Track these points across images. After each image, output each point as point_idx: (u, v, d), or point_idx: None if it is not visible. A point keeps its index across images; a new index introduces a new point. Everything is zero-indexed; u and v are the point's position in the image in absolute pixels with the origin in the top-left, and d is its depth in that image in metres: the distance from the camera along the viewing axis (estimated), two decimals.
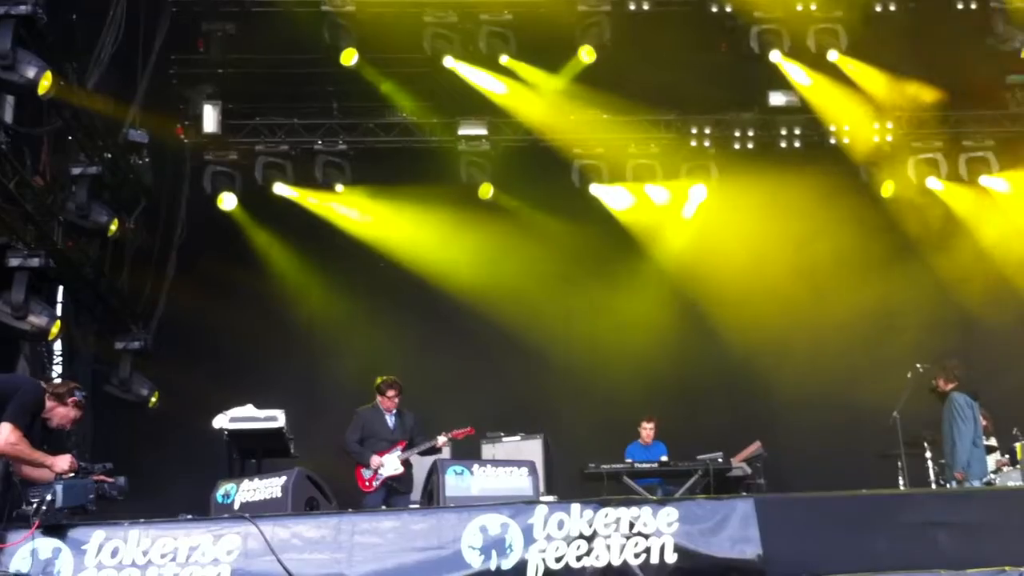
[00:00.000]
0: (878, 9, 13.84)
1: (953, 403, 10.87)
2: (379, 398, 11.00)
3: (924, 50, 14.18)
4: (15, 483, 7.62)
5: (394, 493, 10.73)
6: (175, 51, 13.87)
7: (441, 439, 10.89)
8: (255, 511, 8.29)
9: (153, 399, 13.37)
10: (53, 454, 7.68)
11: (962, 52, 14.15)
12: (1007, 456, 11.78)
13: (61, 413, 7.77)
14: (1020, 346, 14.38)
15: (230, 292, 14.15)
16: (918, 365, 12.00)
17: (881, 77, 14.53)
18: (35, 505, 7.46)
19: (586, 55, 13.98)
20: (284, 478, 8.73)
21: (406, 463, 10.84)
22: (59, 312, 11.65)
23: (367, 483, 10.70)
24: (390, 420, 10.99)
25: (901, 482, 12.27)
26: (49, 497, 7.45)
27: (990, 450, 11.81)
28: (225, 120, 14.36)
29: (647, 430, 13.10)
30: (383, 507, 10.27)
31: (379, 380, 11.05)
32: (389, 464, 10.75)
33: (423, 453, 10.85)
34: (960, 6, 13.89)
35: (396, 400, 10.97)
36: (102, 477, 7.70)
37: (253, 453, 10.80)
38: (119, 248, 13.31)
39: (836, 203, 14.87)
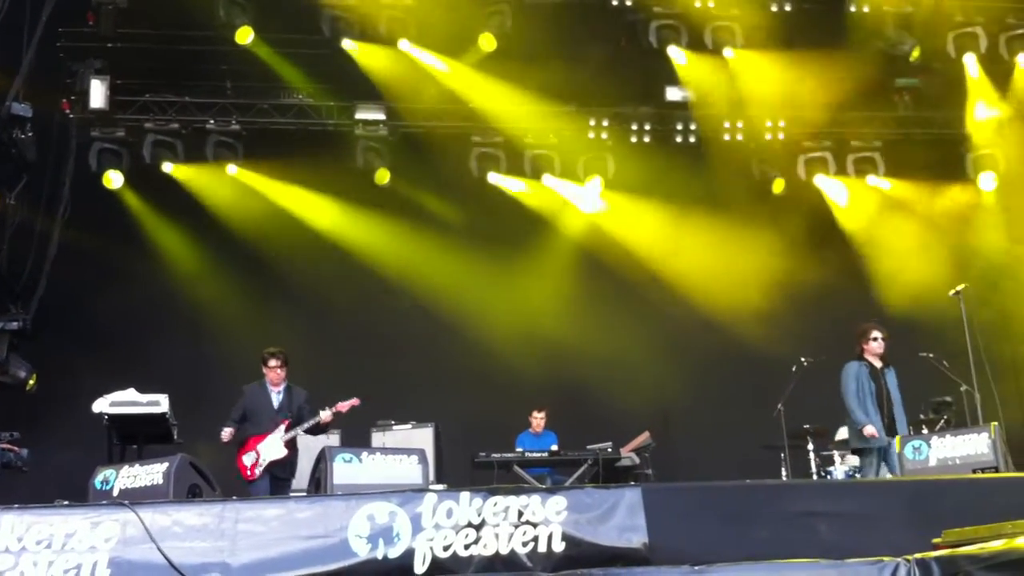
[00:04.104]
0: (774, 9, 14.20)
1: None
2: (264, 371, 10.65)
3: (817, 51, 14.46)
4: None
5: (276, 479, 10.34)
6: (63, 23, 13.36)
7: (325, 414, 10.44)
8: (135, 498, 8.03)
9: (31, 381, 12.88)
10: None
11: (853, 54, 14.50)
12: None
13: None
14: (902, 344, 14.74)
15: (114, 272, 13.81)
16: (803, 359, 12.37)
17: (775, 75, 14.78)
18: None
19: (486, 43, 13.99)
20: (166, 464, 8.48)
21: (290, 445, 10.44)
22: None
23: (248, 471, 10.33)
24: (275, 396, 10.61)
25: (784, 473, 12.56)
26: None
27: None
28: (113, 96, 13.93)
29: (537, 419, 13.17)
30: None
31: (264, 351, 10.73)
32: (272, 447, 10.36)
33: (309, 431, 10.49)
34: (852, 9, 14.29)
35: (281, 372, 10.58)
36: (8, 445, 7.44)
37: (134, 439, 10.45)
38: None
39: (728, 198, 15.11)
